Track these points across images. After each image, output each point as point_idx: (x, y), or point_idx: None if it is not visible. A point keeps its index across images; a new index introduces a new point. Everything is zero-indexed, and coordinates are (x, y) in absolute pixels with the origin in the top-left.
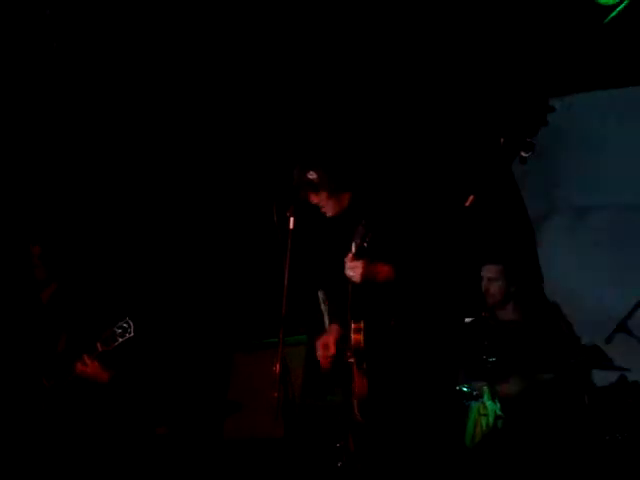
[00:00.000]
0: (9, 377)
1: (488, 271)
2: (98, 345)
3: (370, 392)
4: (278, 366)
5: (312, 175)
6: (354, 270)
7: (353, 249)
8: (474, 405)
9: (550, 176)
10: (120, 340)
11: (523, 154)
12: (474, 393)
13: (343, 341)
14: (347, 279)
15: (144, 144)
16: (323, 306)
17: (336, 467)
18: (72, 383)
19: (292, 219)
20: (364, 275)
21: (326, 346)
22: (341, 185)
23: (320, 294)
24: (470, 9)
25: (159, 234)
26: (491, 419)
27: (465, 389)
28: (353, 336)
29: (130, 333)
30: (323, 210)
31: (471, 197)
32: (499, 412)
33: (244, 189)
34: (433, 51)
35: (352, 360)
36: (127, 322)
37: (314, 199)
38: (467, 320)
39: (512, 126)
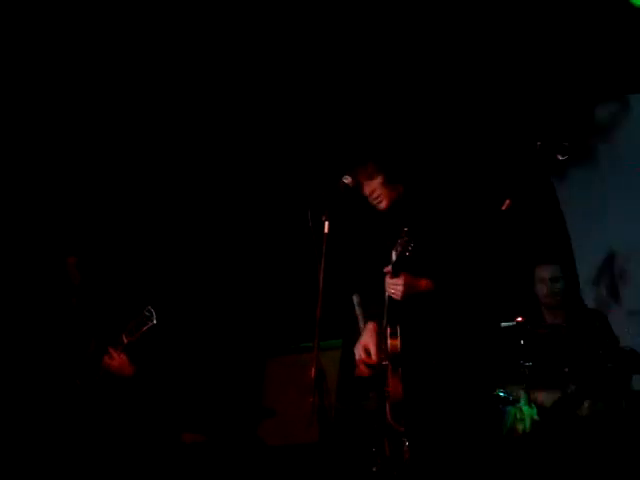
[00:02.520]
0: (42, 378)
1: (547, 271)
2: (123, 337)
3: (405, 397)
4: (313, 371)
5: (367, 164)
6: (395, 288)
7: (393, 257)
8: (511, 410)
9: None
10: (143, 329)
11: (559, 157)
12: (510, 398)
13: (378, 345)
14: (383, 282)
15: (177, 146)
16: (358, 310)
17: (371, 472)
18: (101, 381)
19: (327, 223)
20: (405, 292)
21: (367, 351)
22: (396, 174)
23: (355, 298)
24: (511, 10)
25: (194, 236)
26: (527, 424)
27: (502, 394)
28: (390, 341)
29: (152, 321)
30: (377, 201)
31: (508, 201)
32: (536, 417)
33: (279, 193)
34: (474, 54)
35: (387, 364)
36: (149, 310)
37: (367, 189)
38: (504, 325)
39: (549, 130)
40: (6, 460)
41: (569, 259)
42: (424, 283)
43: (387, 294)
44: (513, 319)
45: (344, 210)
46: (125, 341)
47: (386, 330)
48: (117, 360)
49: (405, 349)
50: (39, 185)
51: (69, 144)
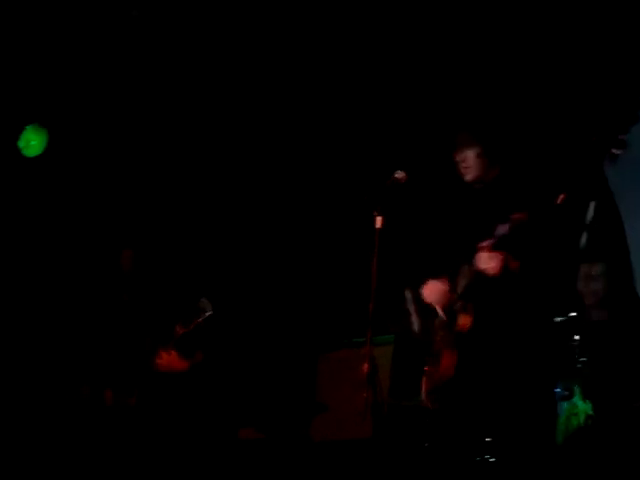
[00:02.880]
0: (97, 374)
1: (590, 269)
2: (177, 328)
3: (454, 377)
4: (366, 366)
5: (467, 131)
6: (492, 261)
7: (500, 231)
8: (565, 405)
9: None
10: (198, 320)
11: (615, 151)
12: (565, 393)
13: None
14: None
15: (232, 141)
16: (410, 305)
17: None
18: (158, 378)
19: (380, 218)
20: (501, 269)
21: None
22: (492, 152)
23: (407, 293)
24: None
25: (250, 231)
26: (582, 419)
27: (556, 389)
28: (462, 317)
29: (207, 311)
30: (465, 170)
31: (562, 195)
32: (590, 412)
33: (334, 189)
34: (526, 48)
35: (442, 338)
36: (203, 301)
37: (460, 155)
38: (558, 319)
39: (604, 124)
40: (66, 453)
41: (620, 255)
42: (516, 265)
43: (475, 269)
44: (566, 314)
45: (397, 205)
46: (179, 332)
47: (456, 304)
48: (166, 359)
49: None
50: (95, 180)
51: (123, 140)
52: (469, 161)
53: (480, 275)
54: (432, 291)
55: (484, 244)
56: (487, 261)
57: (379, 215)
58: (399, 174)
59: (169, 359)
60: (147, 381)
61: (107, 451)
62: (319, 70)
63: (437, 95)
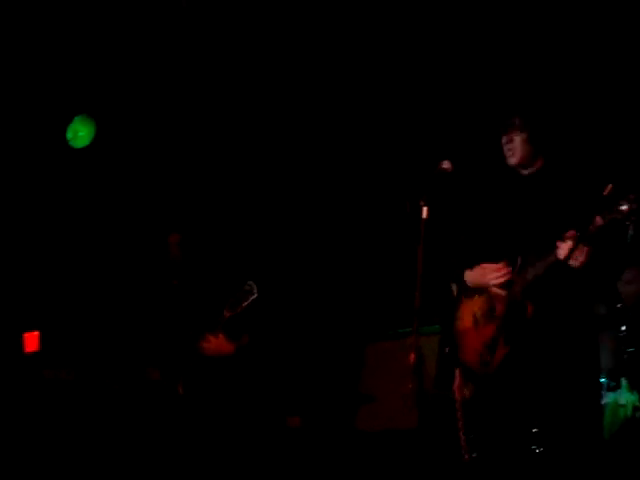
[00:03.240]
0: (147, 359)
1: (631, 274)
2: (225, 312)
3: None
4: (413, 356)
5: (521, 116)
6: (580, 254)
7: (600, 222)
8: (612, 396)
9: None
10: (245, 303)
11: None
12: (612, 384)
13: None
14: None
15: (281, 130)
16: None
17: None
18: (205, 363)
19: (426, 208)
20: (585, 263)
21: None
22: (541, 142)
23: (453, 287)
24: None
25: (297, 219)
26: (629, 410)
27: (603, 380)
28: (529, 306)
29: (253, 294)
30: (509, 153)
31: (610, 186)
32: (637, 403)
33: (379, 179)
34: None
35: (497, 330)
36: (249, 284)
37: (507, 138)
38: (602, 310)
39: None
40: (118, 440)
41: None
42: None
43: (557, 258)
44: (613, 304)
45: (444, 195)
46: (227, 316)
47: (518, 296)
48: (214, 342)
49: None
50: (143, 167)
51: (170, 126)
52: (516, 144)
53: (555, 266)
54: (486, 273)
55: (569, 234)
56: (574, 253)
57: (425, 205)
58: (445, 164)
59: (217, 342)
60: (195, 368)
61: (155, 437)
62: (361, 59)
63: (483, 83)
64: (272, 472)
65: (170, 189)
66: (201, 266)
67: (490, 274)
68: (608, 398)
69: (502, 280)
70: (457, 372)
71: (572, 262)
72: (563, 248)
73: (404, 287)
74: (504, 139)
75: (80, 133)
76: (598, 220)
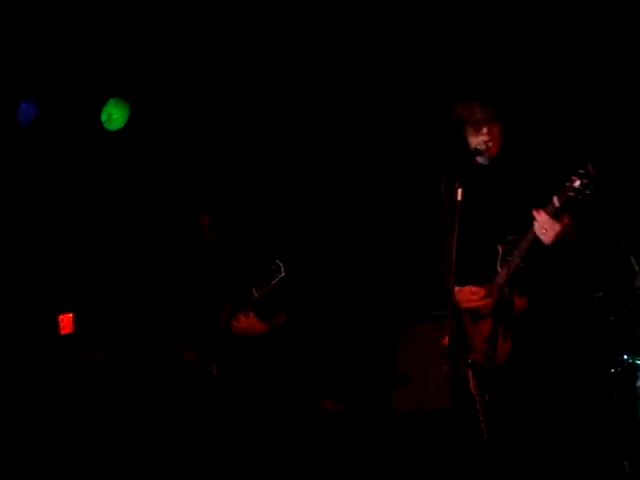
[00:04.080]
0: (178, 339)
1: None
2: (253, 291)
3: (508, 364)
4: (447, 339)
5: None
6: (549, 228)
7: (557, 203)
8: None
9: None
10: (273, 282)
11: None
12: None
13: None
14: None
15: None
16: None
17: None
18: (235, 343)
19: (460, 190)
20: (558, 236)
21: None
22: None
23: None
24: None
25: (330, 198)
26: None
27: (638, 362)
28: (517, 300)
29: (281, 273)
30: (491, 144)
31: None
32: None
33: (414, 160)
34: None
35: (492, 326)
36: (276, 263)
37: (488, 129)
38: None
39: None
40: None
41: None
42: (575, 237)
43: (529, 237)
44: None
45: (469, 166)
46: (256, 295)
47: (503, 288)
48: (244, 322)
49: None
50: (174, 150)
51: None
52: (495, 136)
53: (533, 253)
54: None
55: (542, 209)
56: (543, 225)
57: (460, 187)
58: (481, 146)
59: (247, 322)
60: (228, 348)
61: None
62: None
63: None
64: (304, 454)
65: (201, 171)
66: (232, 247)
67: (462, 296)
68: None
69: (472, 306)
70: (469, 373)
71: (542, 237)
72: (538, 222)
73: (438, 269)
74: (484, 129)
75: (114, 116)
76: (555, 200)
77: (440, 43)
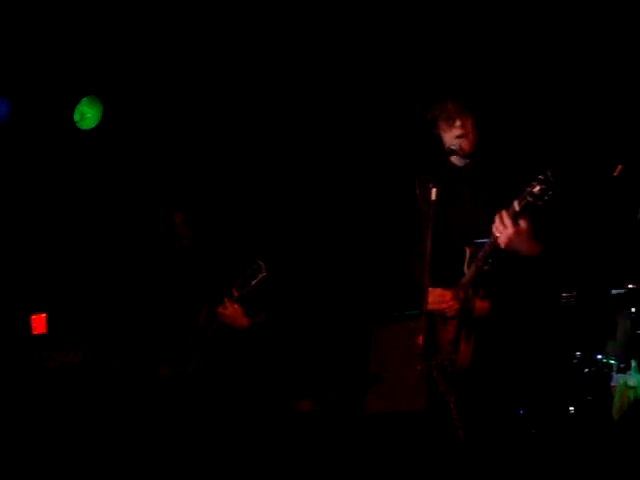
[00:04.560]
0: (155, 337)
1: None
2: (234, 291)
3: (472, 365)
4: (421, 338)
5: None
6: (505, 229)
7: (517, 206)
8: (621, 378)
9: None
10: (253, 282)
11: None
12: (621, 365)
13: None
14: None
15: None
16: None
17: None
18: (215, 339)
19: (435, 190)
20: (514, 240)
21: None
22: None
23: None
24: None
25: (305, 198)
26: (639, 392)
27: (612, 362)
28: (479, 302)
29: (262, 272)
30: (464, 137)
31: (620, 167)
32: None
33: (388, 160)
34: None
35: (456, 328)
36: (257, 263)
37: (461, 121)
38: (615, 292)
39: None
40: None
41: None
42: (533, 247)
43: (490, 240)
44: (624, 286)
45: (443, 169)
46: (236, 295)
47: (467, 291)
48: (230, 309)
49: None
50: (148, 145)
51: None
52: (469, 129)
53: (497, 257)
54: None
55: (502, 213)
56: (500, 227)
57: (434, 187)
58: (455, 146)
59: (233, 311)
60: (205, 347)
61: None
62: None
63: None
64: (280, 453)
65: (176, 167)
66: (207, 245)
67: (430, 298)
68: (617, 380)
69: (439, 308)
70: (435, 374)
71: (498, 239)
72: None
73: (411, 268)
74: (458, 122)
75: (87, 115)
76: (515, 204)
77: (414, 44)
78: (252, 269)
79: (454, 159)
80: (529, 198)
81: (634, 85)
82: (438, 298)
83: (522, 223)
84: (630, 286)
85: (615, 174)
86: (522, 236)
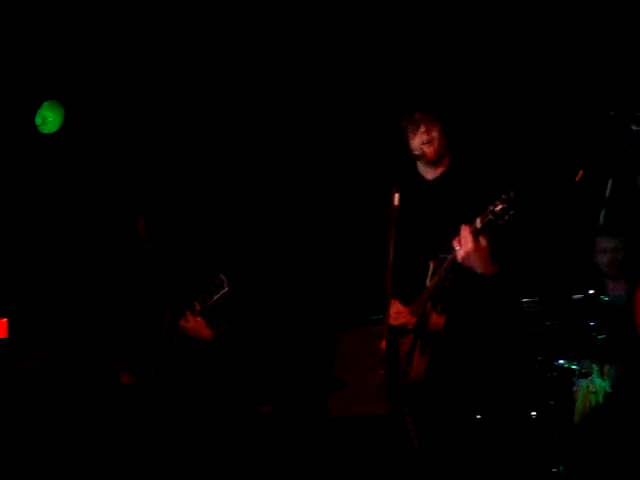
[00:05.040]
0: (116, 346)
1: (608, 242)
2: (196, 304)
3: (426, 378)
4: (384, 343)
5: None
6: (464, 244)
7: (478, 223)
8: (583, 383)
9: None
10: (216, 297)
11: (634, 127)
12: (583, 371)
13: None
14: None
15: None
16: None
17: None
18: (176, 351)
19: (397, 195)
20: (471, 255)
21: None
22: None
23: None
24: None
25: (267, 206)
26: (600, 397)
27: (574, 367)
28: (434, 316)
29: (224, 288)
30: (428, 144)
31: (581, 172)
32: (609, 390)
33: (350, 166)
34: (548, 24)
35: (412, 341)
36: (220, 278)
37: (425, 127)
38: (575, 297)
39: (622, 99)
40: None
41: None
42: (490, 267)
43: (451, 255)
44: (584, 291)
45: (413, 181)
46: (198, 308)
47: (426, 304)
48: (192, 322)
49: (447, 329)
50: (112, 151)
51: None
52: (434, 135)
53: (456, 273)
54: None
55: (466, 227)
56: (458, 242)
57: (397, 192)
58: (418, 151)
59: (195, 324)
60: (167, 354)
61: (126, 424)
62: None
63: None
64: (244, 458)
65: (141, 173)
66: (170, 252)
67: (390, 312)
68: (579, 385)
69: (398, 323)
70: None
71: (457, 249)
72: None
73: (375, 274)
74: (422, 128)
75: (49, 119)
76: (477, 221)
77: (385, 55)
78: (214, 283)
79: (424, 171)
80: (490, 216)
81: (592, 88)
82: (395, 313)
83: (482, 241)
84: (591, 292)
85: (577, 179)
86: (481, 253)
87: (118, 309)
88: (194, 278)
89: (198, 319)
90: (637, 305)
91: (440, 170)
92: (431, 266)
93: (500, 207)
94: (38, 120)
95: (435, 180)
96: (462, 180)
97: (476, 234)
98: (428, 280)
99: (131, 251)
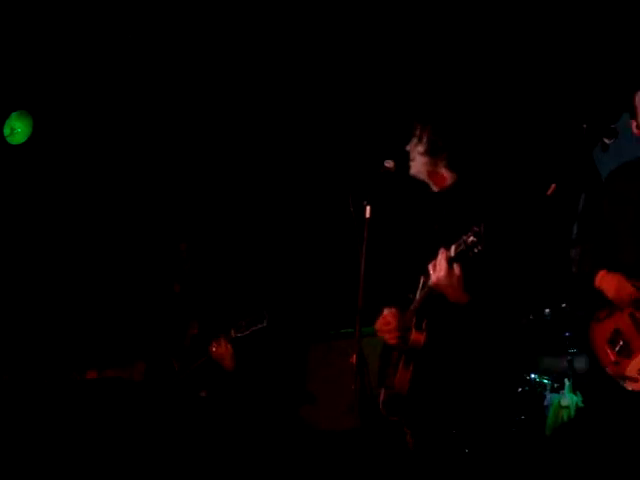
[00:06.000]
0: (139, 357)
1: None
2: (232, 331)
3: (409, 392)
4: (355, 357)
5: (422, 127)
6: (438, 270)
7: (452, 251)
8: (555, 397)
9: None
10: (253, 329)
11: (606, 141)
12: (555, 385)
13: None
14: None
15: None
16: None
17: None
18: (200, 367)
19: (369, 208)
20: (443, 281)
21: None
22: (440, 151)
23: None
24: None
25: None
26: (572, 411)
27: (545, 381)
28: (414, 333)
29: (263, 323)
30: (410, 163)
31: (553, 186)
32: (580, 404)
33: (322, 178)
34: (519, 40)
35: (397, 354)
36: (263, 313)
37: (408, 147)
38: (547, 311)
39: (595, 112)
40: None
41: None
42: (459, 296)
43: (426, 278)
44: (558, 305)
45: (386, 195)
46: (233, 335)
47: (411, 321)
48: (223, 348)
49: (427, 346)
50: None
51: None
52: (414, 155)
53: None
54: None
55: (442, 252)
56: (436, 266)
57: (368, 205)
58: (389, 163)
59: (225, 351)
60: (189, 371)
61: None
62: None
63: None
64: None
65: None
66: (207, 278)
67: (380, 321)
68: (551, 399)
69: (382, 335)
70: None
71: (431, 273)
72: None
73: (347, 287)
74: (407, 147)
75: (17, 130)
76: (452, 249)
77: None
78: (256, 316)
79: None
80: (463, 246)
81: (564, 101)
82: (383, 325)
83: (456, 268)
84: (563, 305)
85: (548, 193)
86: (453, 280)
87: (143, 324)
88: (228, 303)
89: (229, 346)
90: (595, 343)
91: (443, 185)
92: (421, 281)
93: (471, 239)
94: (6, 131)
95: (441, 192)
96: (466, 195)
97: (450, 261)
98: (417, 294)
99: (164, 270)
